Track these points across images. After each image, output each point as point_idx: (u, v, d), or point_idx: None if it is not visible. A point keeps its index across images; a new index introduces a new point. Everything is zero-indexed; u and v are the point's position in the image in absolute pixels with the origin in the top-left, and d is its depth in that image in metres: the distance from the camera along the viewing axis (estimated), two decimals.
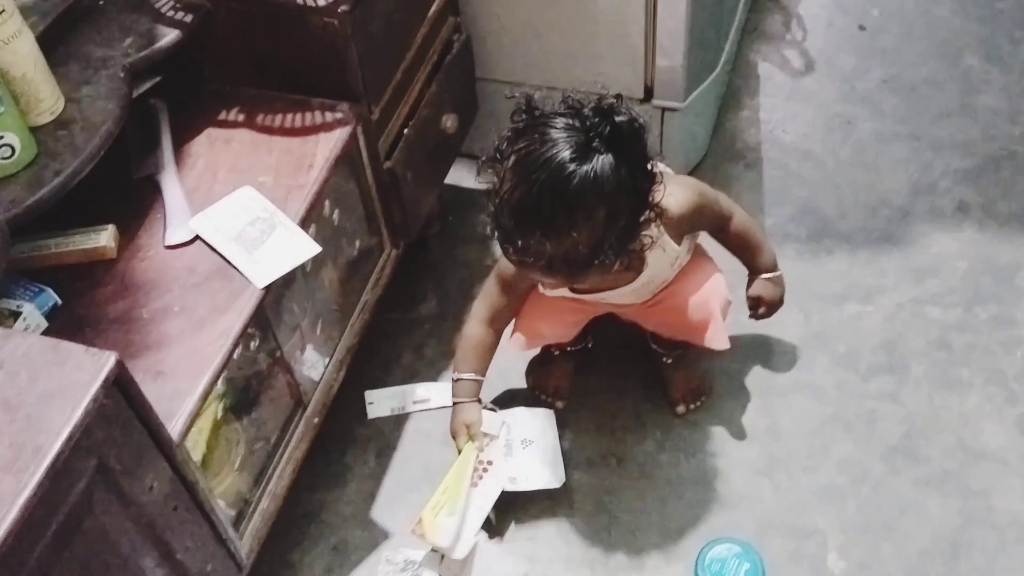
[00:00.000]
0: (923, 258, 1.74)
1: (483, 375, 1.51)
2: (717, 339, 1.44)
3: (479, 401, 1.51)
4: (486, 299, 1.49)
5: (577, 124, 1.17)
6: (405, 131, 1.54)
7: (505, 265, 1.43)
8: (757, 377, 1.61)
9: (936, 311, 1.67)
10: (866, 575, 1.40)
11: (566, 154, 1.15)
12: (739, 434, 1.55)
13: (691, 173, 1.89)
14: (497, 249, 1.79)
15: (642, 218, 1.23)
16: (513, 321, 1.51)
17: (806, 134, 1.96)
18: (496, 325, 1.49)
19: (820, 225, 1.81)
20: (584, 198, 1.16)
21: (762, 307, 1.52)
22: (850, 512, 1.46)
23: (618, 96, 1.20)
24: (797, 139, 1.95)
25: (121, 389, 0.98)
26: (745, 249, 1.51)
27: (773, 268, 1.51)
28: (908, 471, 1.49)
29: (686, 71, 1.71)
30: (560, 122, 1.18)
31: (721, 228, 1.47)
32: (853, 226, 1.80)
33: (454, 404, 1.51)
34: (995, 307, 1.67)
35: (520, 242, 1.19)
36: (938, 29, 2.12)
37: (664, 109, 1.76)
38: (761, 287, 1.51)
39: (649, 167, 1.22)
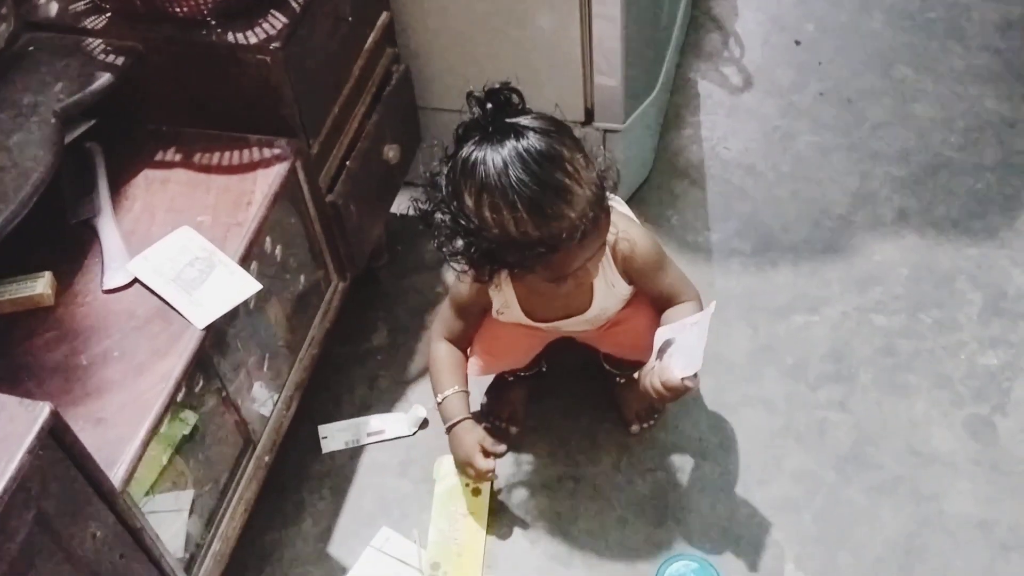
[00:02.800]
0: (866, 266, 1.77)
1: (466, 386, 1.47)
2: None
3: (468, 419, 1.44)
4: (443, 323, 1.49)
5: (475, 133, 1.22)
6: (347, 164, 1.54)
7: (457, 292, 1.44)
8: (709, 393, 1.62)
9: (881, 318, 1.70)
10: None
11: (504, 148, 1.18)
12: (693, 451, 1.56)
13: (636, 193, 1.91)
14: (448, 276, 1.81)
15: (597, 172, 1.26)
16: (438, 329, 1.51)
17: (747, 149, 1.99)
18: (458, 344, 1.49)
19: (764, 239, 1.83)
20: (551, 146, 1.19)
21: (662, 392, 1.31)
22: (805, 523, 1.47)
23: (468, 94, 1.25)
24: (739, 155, 1.98)
25: (57, 439, 0.96)
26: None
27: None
28: (860, 479, 1.51)
29: (625, 92, 1.73)
30: (465, 148, 1.21)
31: (662, 308, 1.41)
32: (797, 238, 1.83)
33: (450, 429, 1.44)
34: (938, 312, 1.69)
35: (562, 224, 1.18)
36: (871, 41, 2.16)
37: (606, 131, 1.78)
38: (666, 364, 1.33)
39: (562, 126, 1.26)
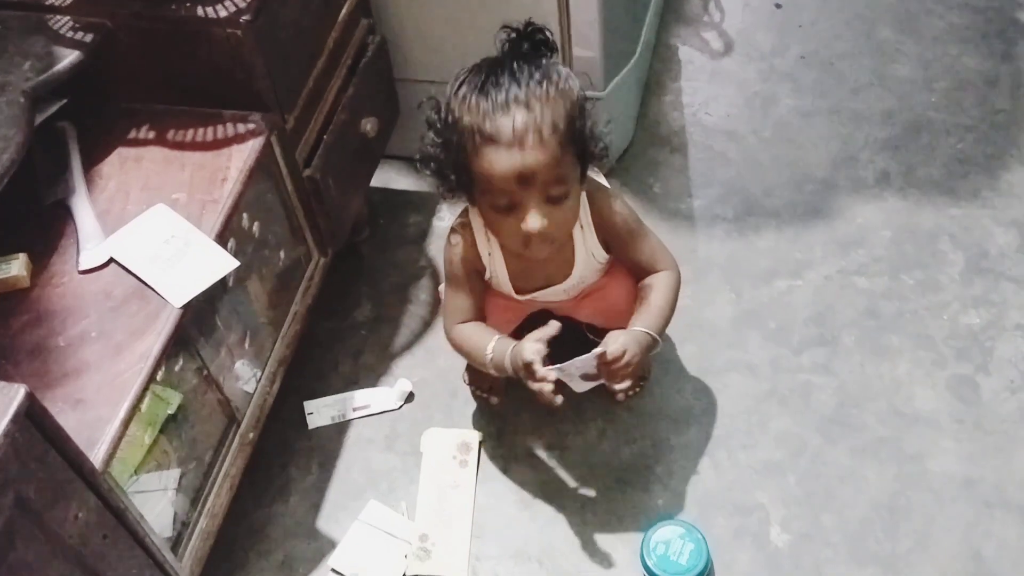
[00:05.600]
0: (848, 229, 1.77)
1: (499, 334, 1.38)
2: None
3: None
4: (451, 310, 1.43)
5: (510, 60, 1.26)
6: (324, 137, 1.52)
7: (450, 262, 1.41)
8: (692, 359, 1.62)
9: (863, 281, 1.70)
10: (809, 546, 1.42)
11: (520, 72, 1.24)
12: (678, 417, 1.57)
13: (617, 161, 1.90)
14: (431, 249, 1.81)
15: (589, 132, 1.28)
16: (451, 320, 1.49)
17: (729, 115, 1.98)
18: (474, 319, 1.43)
19: (747, 204, 1.83)
20: (541, 72, 1.24)
21: (623, 361, 1.26)
22: (790, 485, 1.48)
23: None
24: (720, 120, 1.97)
25: (34, 421, 0.96)
26: (645, 302, 1.36)
27: (658, 333, 1.34)
28: (844, 440, 1.52)
29: (604, 59, 1.71)
30: (493, 62, 1.27)
31: (640, 277, 1.40)
32: (779, 202, 1.82)
33: (511, 352, 1.30)
34: (920, 273, 1.70)
35: (501, 130, 1.20)
36: (851, 3, 2.15)
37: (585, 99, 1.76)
38: (634, 334, 1.30)
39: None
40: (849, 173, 1.85)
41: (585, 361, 1.28)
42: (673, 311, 1.38)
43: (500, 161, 1.21)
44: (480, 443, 1.56)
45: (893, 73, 2.00)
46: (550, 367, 1.28)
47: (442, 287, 1.48)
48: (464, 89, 1.25)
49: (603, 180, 1.52)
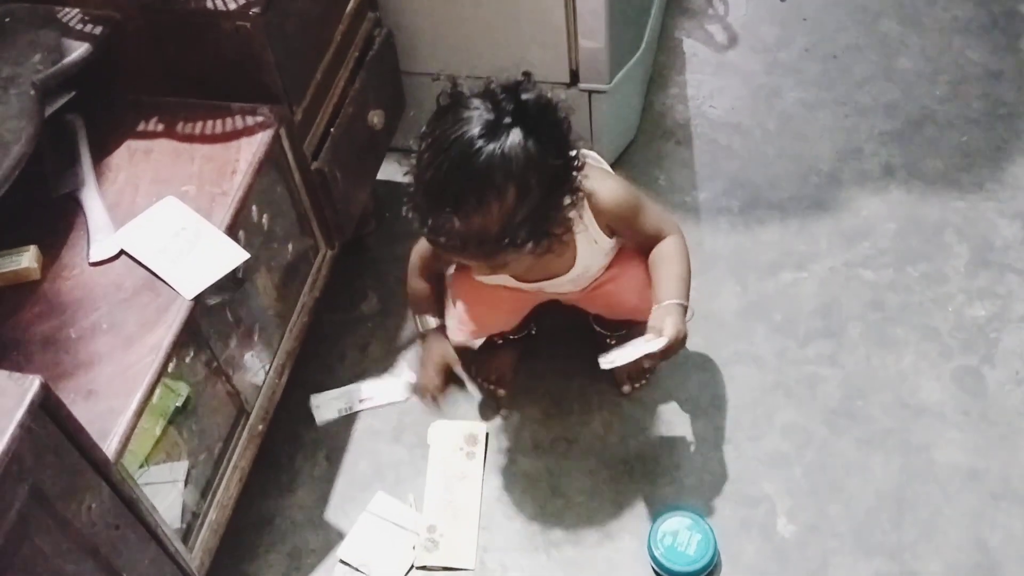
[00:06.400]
0: (853, 222, 1.77)
1: (442, 319, 1.52)
2: None
3: (448, 344, 1.52)
4: (419, 252, 1.49)
5: (489, 104, 1.19)
6: (331, 130, 1.53)
7: (423, 245, 1.45)
8: (699, 350, 1.62)
9: (869, 273, 1.70)
10: (815, 537, 1.43)
11: (475, 131, 1.16)
12: (684, 408, 1.57)
13: (623, 154, 1.91)
14: None
15: (561, 199, 1.23)
16: (456, 314, 1.51)
17: (734, 107, 1.98)
18: (434, 276, 1.51)
19: (752, 196, 1.83)
20: (492, 175, 1.16)
21: (669, 333, 1.29)
22: (796, 477, 1.49)
23: (527, 74, 1.21)
24: (725, 113, 1.97)
25: (49, 412, 0.96)
26: (662, 274, 1.37)
27: (686, 299, 1.36)
28: (850, 432, 1.52)
29: (610, 52, 1.72)
30: (474, 103, 1.20)
31: (649, 248, 1.41)
32: (784, 195, 1.83)
33: (423, 337, 1.54)
34: (925, 265, 1.70)
35: (431, 220, 1.20)
36: None
37: (591, 92, 1.77)
38: (670, 310, 1.32)
39: (567, 148, 1.23)
40: (854, 165, 1.86)
41: (645, 352, 1.29)
42: (690, 273, 1.39)
43: (440, 249, 1.26)
44: (487, 435, 1.56)
45: (898, 66, 2.01)
46: (608, 361, 1.32)
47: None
48: (415, 168, 1.22)
49: (595, 159, 1.49)
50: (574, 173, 1.24)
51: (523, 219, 1.19)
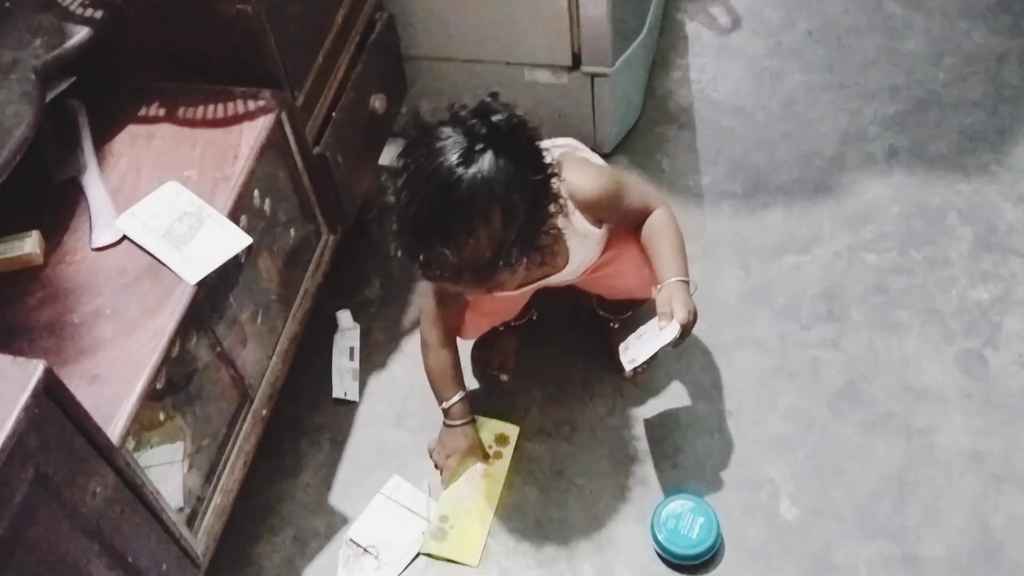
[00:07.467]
0: (857, 205, 1.77)
1: (465, 389, 1.50)
2: None
3: (473, 421, 1.50)
4: (430, 318, 1.47)
5: (460, 130, 1.17)
6: (333, 115, 1.52)
7: (429, 304, 1.45)
8: (702, 335, 1.62)
9: (872, 256, 1.70)
10: (818, 520, 1.43)
11: (452, 160, 1.15)
12: (687, 392, 1.57)
13: (625, 137, 1.90)
14: None
15: (546, 211, 1.23)
16: (427, 322, 1.50)
17: (736, 91, 1.97)
18: (450, 339, 1.48)
19: (755, 180, 1.82)
20: (476, 201, 1.15)
21: (680, 316, 1.29)
22: (799, 460, 1.49)
23: (493, 94, 1.20)
24: (728, 96, 1.96)
25: (53, 397, 0.96)
26: (657, 251, 1.38)
27: (686, 274, 1.36)
28: (853, 415, 1.52)
29: (612, 35, 1.71)
30: (444, 131, 1.18)
31: (639, 224, 1.41)
32: (787, 178, 1.82)
33: (447, 426, 1.50)
34: (929, 249, 1.70)
35: (423, 256, 1.19)
36: None
37: (593, 75, 1.76)
38: (675, 289, 1.33)
39: (543, 161, 1.22)
40: (857, 149, 1.85)
41: (665, 344, 1.29)
42: (683, 242, 1.39)
43: (434, 281, 1.28)
44: (518, 437, 1.54)
45: (901, 48, 2.00)
46: (629, 360, 1.33)
47: None
48: (396, 206, 1.20)
49: (578, 147, 1.47)
50: (553, 182, 1.23)
51: (513, 238, 1.19)
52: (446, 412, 1.49)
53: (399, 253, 1.24)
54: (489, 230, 1.17)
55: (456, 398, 1.48)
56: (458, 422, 1.49)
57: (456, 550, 1.45)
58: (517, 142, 1.18)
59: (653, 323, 1.33)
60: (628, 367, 1.35)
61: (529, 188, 1.19)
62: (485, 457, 1.51)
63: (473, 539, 1.46)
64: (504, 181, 1.16)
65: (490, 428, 1.55)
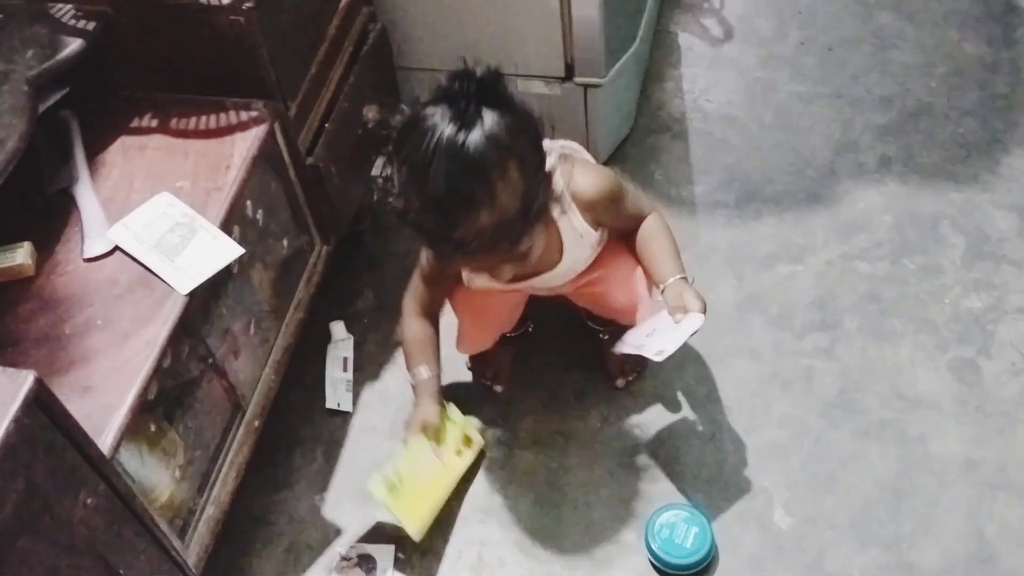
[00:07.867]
0: (850, 214, 1.77)
1: (437, 368, 1.48)
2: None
3: (441, 405, 1.47)
4: (414, 295, 1.48)
5: (444, 102, 1.16)
6: (326, 125, 1.53)
7: (424, 261, 1.44)
8: (695, 343, 1.62)
9: (865, 265, 1.70)
10: (812, 529, 1.43)
11: (449, 130, 1.13)
12: (681, 401, 1.57)
13: (618, 148, 1.91)
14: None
15: (543, 152, 1.23)
16: (464, 331, 1.52)
17: (729, 101, 1.98)
18: (431, 316, 1.48)
19: (748, 190, 1.83)
20: (489, 158, 1.14)
21: (697, 307, 1.32)
22: (793, 468, 1.49)
23: (463, 59, 1.18)
24: (721, 106, 1.97)
25: (43, 408, 0.96)
26: (654, 254, 1.40)
27: (684, 272, 1.38)
28: (847, 424, 1.52)
29: (605, 46, 1.72)
30: (429, 109, 1.16)
31: (631, 231, 1.42)
32: (780, 188, 1.83)
33: (416, 404, 1.47)
34: (921, 257, 1.70)
35: (456, 233, 1.17)
36: None
37: (587, 86, 1.77)
38: (681, 285, 1.35)
39: (526, 106, 1.21)
40: (850, 158, 1.86)
41: (693, 332, 1.30)
42: (677, 247, 1.42)
43: (469, 258, 1.26)
44: (482, 449, 1.53)
45: (893, 58, 2.01)
46: (657, 352, 1.32)
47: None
48: (403, 170, 1.18)
49: (579, 150, 1.48)
50: (545, 141, 1.24)
51: (534, 183, 1.19)
52: (414, 388, 1.48)
53: (431, 252, 1.24)
54: (510, 182, 1.16)
55: (426, 375, 1.45)
56: (419, 399, 1.45)
57: (404, 510, 1.40)
58: (503, 92, 1.18)
59: (662, 317, 1.34)
60: (656, 358, 1.32)
61: (531, 131, 1.20)
62: (434, 430, 1.45)
63: (420, 508, 1.42)
64: (507, 130, 1.15)
65: (460, 428, 1.50)
